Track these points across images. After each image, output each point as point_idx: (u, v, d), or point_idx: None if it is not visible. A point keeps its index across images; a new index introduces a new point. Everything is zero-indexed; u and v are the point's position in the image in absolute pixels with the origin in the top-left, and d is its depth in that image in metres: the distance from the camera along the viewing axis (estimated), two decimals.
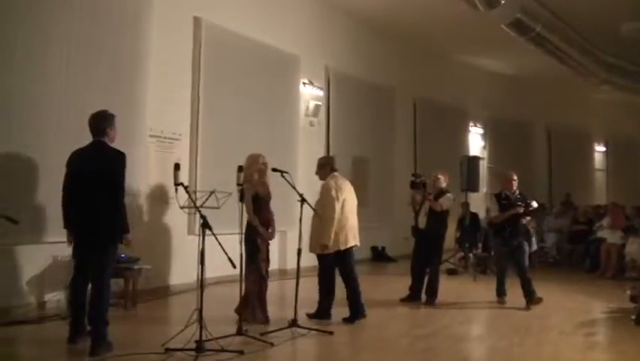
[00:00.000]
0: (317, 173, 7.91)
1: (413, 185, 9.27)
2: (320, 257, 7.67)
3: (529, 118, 20.78)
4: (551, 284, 10.61)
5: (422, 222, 9.14)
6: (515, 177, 9.21)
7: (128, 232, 6.20)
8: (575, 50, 14.89)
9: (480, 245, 13.75)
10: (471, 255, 13.10)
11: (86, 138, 7.60)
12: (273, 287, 10.31)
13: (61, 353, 6.06)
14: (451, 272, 12.38)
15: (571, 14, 13.51)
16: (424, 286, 9.06)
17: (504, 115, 19.59)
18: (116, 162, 6.13)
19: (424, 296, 9.04)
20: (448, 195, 9.19)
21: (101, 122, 6.22)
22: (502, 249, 9.09)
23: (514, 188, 9.16)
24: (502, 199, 9.08)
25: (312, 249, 7.64)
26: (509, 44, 14.46)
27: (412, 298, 9.02)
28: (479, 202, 16.31)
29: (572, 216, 15.70)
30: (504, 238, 8.99)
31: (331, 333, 6.84)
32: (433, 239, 9.06)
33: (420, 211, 9.18)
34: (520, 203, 8.96)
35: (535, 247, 9.50)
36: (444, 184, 9.33)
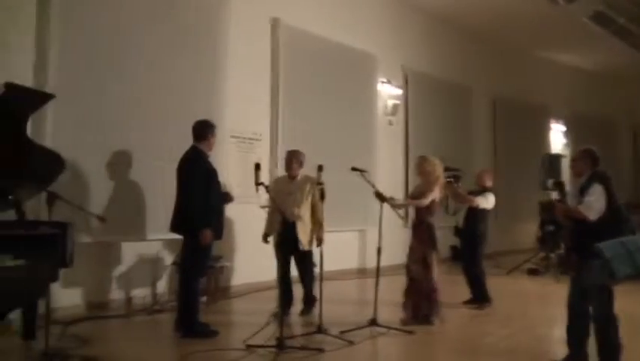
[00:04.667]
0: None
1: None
2: None
3: (613, 114, 20.16)
4: None
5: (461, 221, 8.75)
6: (572, 159, 5.94)
7: (208, 227, 6.45)
8: None
9: (562, 245, 13.41)
10: (553, 255, 12.79)
11: (166, 139, 7.82)
12: (353, 286, 10.43)
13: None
14: (533, 272, 12.14)
15: None
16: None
17: (587, 111, 19.05)
18: (190, 164, 6.56)
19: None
20: (489, 194, 8.60)
21: (197, 129, 6.73)
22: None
23: (578, 174, 5.75)
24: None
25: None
26: (591, 38, 14.09)
27: (473, 300, 8.58)
28: None
29: None
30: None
31: (411, 333, 6.80)
32: (470, 239, 8.64)
33: (452, 209, 8.85)
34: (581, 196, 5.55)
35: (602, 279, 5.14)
36: (489, 183, 8.81)
